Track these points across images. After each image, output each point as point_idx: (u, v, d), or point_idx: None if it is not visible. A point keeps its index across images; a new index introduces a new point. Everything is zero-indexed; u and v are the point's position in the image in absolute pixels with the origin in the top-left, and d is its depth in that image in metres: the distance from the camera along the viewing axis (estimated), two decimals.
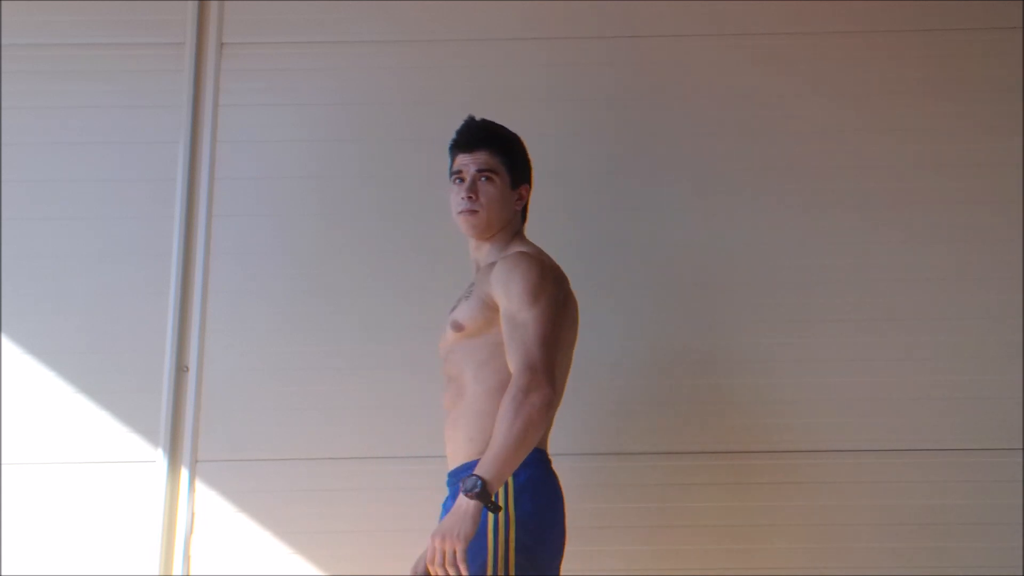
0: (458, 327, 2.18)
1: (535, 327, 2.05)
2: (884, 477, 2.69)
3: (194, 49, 2.95)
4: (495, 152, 2.29)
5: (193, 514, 2.71)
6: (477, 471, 1.93)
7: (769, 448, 2.71)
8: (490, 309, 2.14)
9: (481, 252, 2.29)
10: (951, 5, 2.95)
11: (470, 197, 2.23)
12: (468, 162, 2.27)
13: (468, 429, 2.13)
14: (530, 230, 2.85)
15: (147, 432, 2.75)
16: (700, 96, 2.92)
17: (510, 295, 2.10)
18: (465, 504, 1.91)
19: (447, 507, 2.14)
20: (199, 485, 2.72)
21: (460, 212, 2.25)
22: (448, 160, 2.37)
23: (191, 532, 2.70)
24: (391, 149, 2.91)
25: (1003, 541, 2.65)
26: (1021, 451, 2.69)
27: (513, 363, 2.04)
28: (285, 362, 2.79)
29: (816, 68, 2.93)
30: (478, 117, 2.35)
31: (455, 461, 2.17)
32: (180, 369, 2.78)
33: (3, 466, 2.72)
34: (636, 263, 2.76)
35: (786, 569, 2.64)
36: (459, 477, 2.04)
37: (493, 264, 2.21)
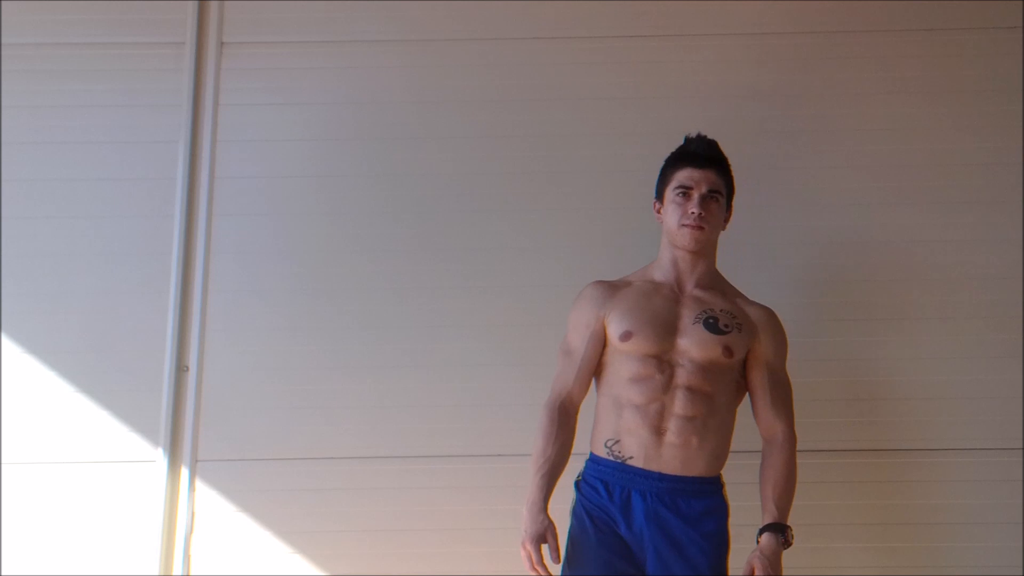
0: (730, 354, 2.32)
1: (792, 392, 2.41)
2: (884, 477, 2.69)
3: (194, 49, 2.95)
4: (721, 174, 2.43)
5: (193, 514, 2.71)
6: (780, 521, 2.28)
7: None
8: (747, 347, 2.37)
9: (695, 268, 2.41)
10: (951, 5, 2.95)
11: (702, 214, 2.35)
12: (700, 179, 2.38)
13: (715, 447, 2.32)
14: (533, 230, 2.86)
15: (147, 432, 2.75)
16: (699, 96, 2.92)
17: (779, 353, 2.42)
18: (780, 549, 2.28)
19: (670, 508, 2.27)
20: (199, 485, 2.73)
21: (686, 225, 2.36)
22: (665, 169, 2.45)
23: (191, 532, 2.70)
24: (391, 149, 2.91)
25: (1003, 541, 2.66)
26: (1021, 451, 2.70)
27: (781, 420, 2.37)
28: (285, 362, 2.79)
29: (816, 68, 2.93)
30: (695, 134, 2.46)
31: (690, 470, 2.29)
32: (180, 369, 2.78)
33: (3, 466, 2.73)
34: (635, 263, 2.76)
35: (785, 568, 2.64)
36: (694, 486, 2.29)
37: (732, 295, 2.44)
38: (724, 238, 2.82)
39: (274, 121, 2.93)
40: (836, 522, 2.68)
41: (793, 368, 2.74)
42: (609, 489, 2.28)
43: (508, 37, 2.96)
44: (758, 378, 2.38)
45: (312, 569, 2.68)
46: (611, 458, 2.29)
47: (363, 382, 2.77)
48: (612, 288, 2.41)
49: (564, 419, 2.34)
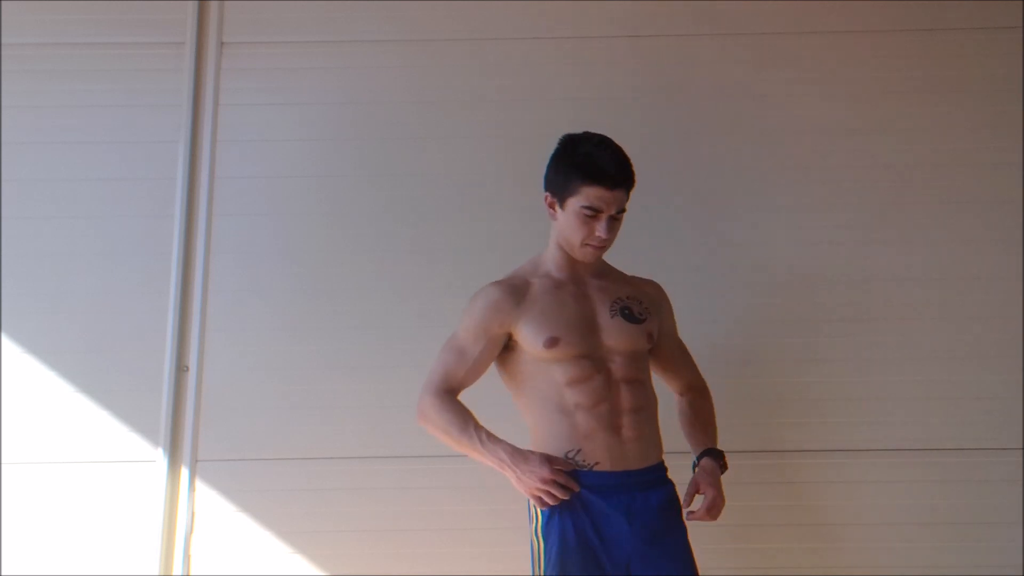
0: (651, 340, 2.33)
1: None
2: (884, 477, 2.69)
3: (194, 48, 2.95)
4: (628, 190, 2.31)
5: (193, 514, 2.71)
6: (716, 447, 2.36)
7: (769, 448, 2.71)
8: (658, 326, 2.38)
9: (587, 266, 2.36)
10: (951, 5, 2.95)
11: (607, 237, 2.28)
12: (610, 200, 2.25)
13: (657, 432, 2.32)
14: (533, 230, 2.86)
15: (147, 432, 2.75)
16: (699, 96, 2.93)
17: (673, 320, 2.46)
18: (719, 470, 2.32)
19: (643, 503, 2.22)
20: (199, 485, 2.72)
21: (588, 245, 2.28)
22: (570, 173, 2.29)
23: (191, 532, 2.70)
24: (391, 149, 2.91)
25: (1003, 541, 2.65)
26: (1021, 451, 2.70)
27: (697, 376, 2.46)
28: (285, 362, 2.79)
29: (816, 68, 2.94)
30: (608, 140, 2.35)
31: (647, 460, 2.25)
32: (180, 369, 2.78)
33: (3, 466, 2.73)
34: (634, 262, 2.76)
35: (786, 568, 2.64)
36: (652, 475, 2.25)
37: (624, 277, 2.42)
38: (725, 237, 2.84)
39: (274, 121, 2.93)
40: (836, 522, 2.68)
41: (792, 368, 2.76)
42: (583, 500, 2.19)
43: (508, 37, 2.96)
44: (667, 348, 2.42)
45: (312, 569, 2.68)
46: (575, 468, 2.20)
47: (363, 382, 2.77)
48: (515, 292, 2.30)
49: (453, 398, 2.27)
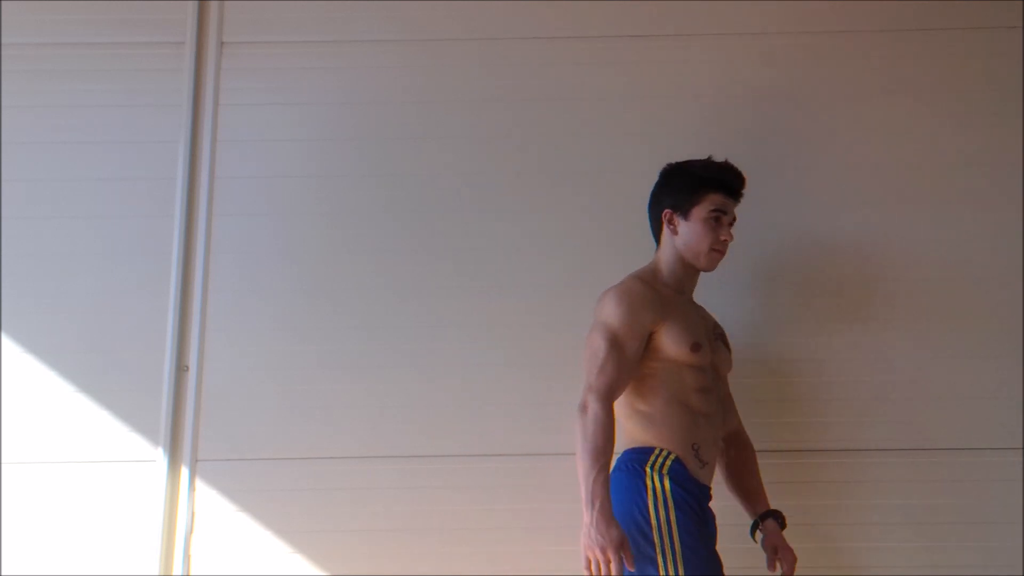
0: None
1: None
2: (884, 477, 2.69)
3: (194, 48, 2.95)
4: (738, 201, 2.51)
5: (193, 514, 2.71)
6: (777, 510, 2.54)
7: (769, 447, 2.70)
8: None
9: (692, 282, 2.49)
10: (951, 5, 2.95)
11: (730, 240, 2.44)
12: (730, 207, 2.46)
13: None
14: (533, 230, 2.87)
15: (147, 432, 2.74)
16: (699, 96, 2.92)
17: None
18: None
19: (711, 517, 2.38)
20: (199, 485, 2.72)
21: (714, 249, 2.42)
22: (695, 187, 2.44)
23: (191, 532, 2.70)
24: (392, 149, 2.91)
25: (1003, 541, 2.65)
26: (1021, 451, 2.70)
27: (739, 418, 2.58)
28: (285, 362, 2.79)
29: (816, 68, 2.93)
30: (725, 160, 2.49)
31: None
32: (180, 369, 2.78)
33: (3, 466, 2.72)
34: (635, 264, 2.76)
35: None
36: None
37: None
38: None
39: (274, 121, 2.93)
40: (836, 522, 2.68)
41: (793, 368, 2.75)
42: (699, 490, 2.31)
43: (508, 37, 2.96)
44: (727, 385, 2.54)
45: (312, 569, 2.68)
46: (697, 461, 2.31)
47: (363, 382, 2.77)
48: (659, 294, 2.36)
49: (612, 413, 2.23)
